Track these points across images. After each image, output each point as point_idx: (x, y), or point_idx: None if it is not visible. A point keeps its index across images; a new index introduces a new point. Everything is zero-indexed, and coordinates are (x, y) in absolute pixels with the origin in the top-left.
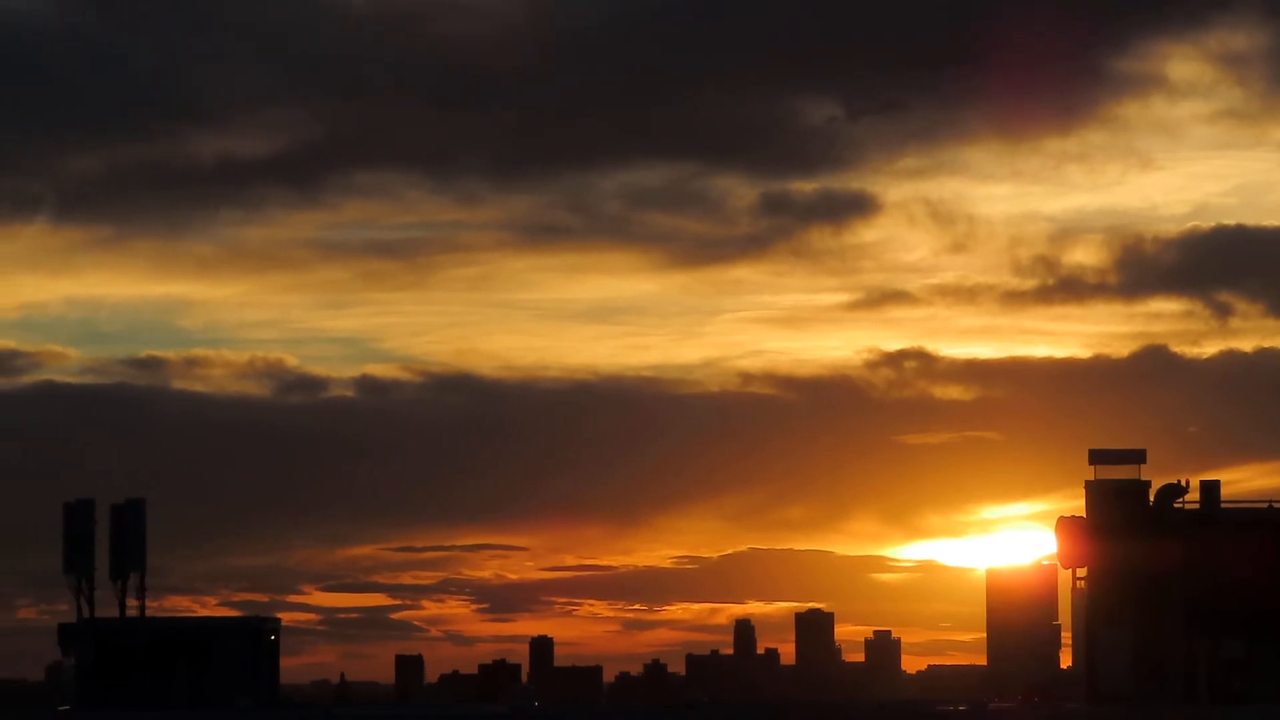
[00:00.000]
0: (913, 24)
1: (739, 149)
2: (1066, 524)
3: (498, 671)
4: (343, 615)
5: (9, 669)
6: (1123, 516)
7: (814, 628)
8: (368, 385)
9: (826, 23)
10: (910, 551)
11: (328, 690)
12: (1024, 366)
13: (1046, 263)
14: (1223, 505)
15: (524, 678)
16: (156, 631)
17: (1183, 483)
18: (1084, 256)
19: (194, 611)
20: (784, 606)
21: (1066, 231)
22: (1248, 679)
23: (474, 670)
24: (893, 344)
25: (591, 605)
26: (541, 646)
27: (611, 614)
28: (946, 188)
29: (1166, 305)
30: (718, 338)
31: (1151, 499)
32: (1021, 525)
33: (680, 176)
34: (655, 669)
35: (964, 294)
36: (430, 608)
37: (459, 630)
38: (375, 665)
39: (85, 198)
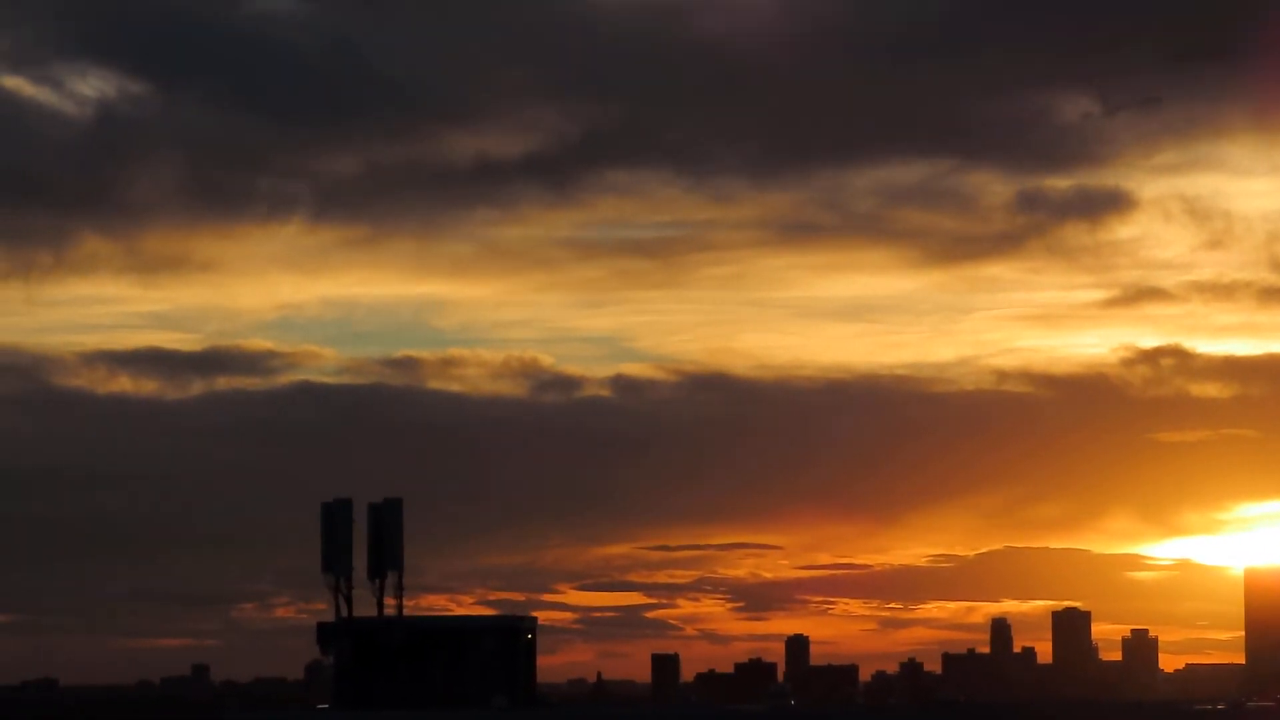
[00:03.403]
0: (1170, 19)
1: (995, 145)
2: None
3: (754, 670)
4: (598, 614)
5: (268, 667)
6: None
7: (1071, 626)
8: (622, 384)
9: (1083, 18)
10: (1167, 550)
11: (584, 689)
12: None
13: None
14: None
15: (780, 676)
16: (414, 630)
17: None
18: None
19: (450, 610)
20: (1040, 605)
21: None
22: None
23: (730, 669)
24: (1149, 341)
25: (847, 604)
26: (797, 645)
27: (867, 612)
28: (1203, 183)
29: None
30: (972, 335)
31: None
32: None
33: (935, 173)
34: (911, 668)
35: (1221, 290)
36: (685, 606)
37: (714, 629)
38: (631, 664)
39: (342, 198)
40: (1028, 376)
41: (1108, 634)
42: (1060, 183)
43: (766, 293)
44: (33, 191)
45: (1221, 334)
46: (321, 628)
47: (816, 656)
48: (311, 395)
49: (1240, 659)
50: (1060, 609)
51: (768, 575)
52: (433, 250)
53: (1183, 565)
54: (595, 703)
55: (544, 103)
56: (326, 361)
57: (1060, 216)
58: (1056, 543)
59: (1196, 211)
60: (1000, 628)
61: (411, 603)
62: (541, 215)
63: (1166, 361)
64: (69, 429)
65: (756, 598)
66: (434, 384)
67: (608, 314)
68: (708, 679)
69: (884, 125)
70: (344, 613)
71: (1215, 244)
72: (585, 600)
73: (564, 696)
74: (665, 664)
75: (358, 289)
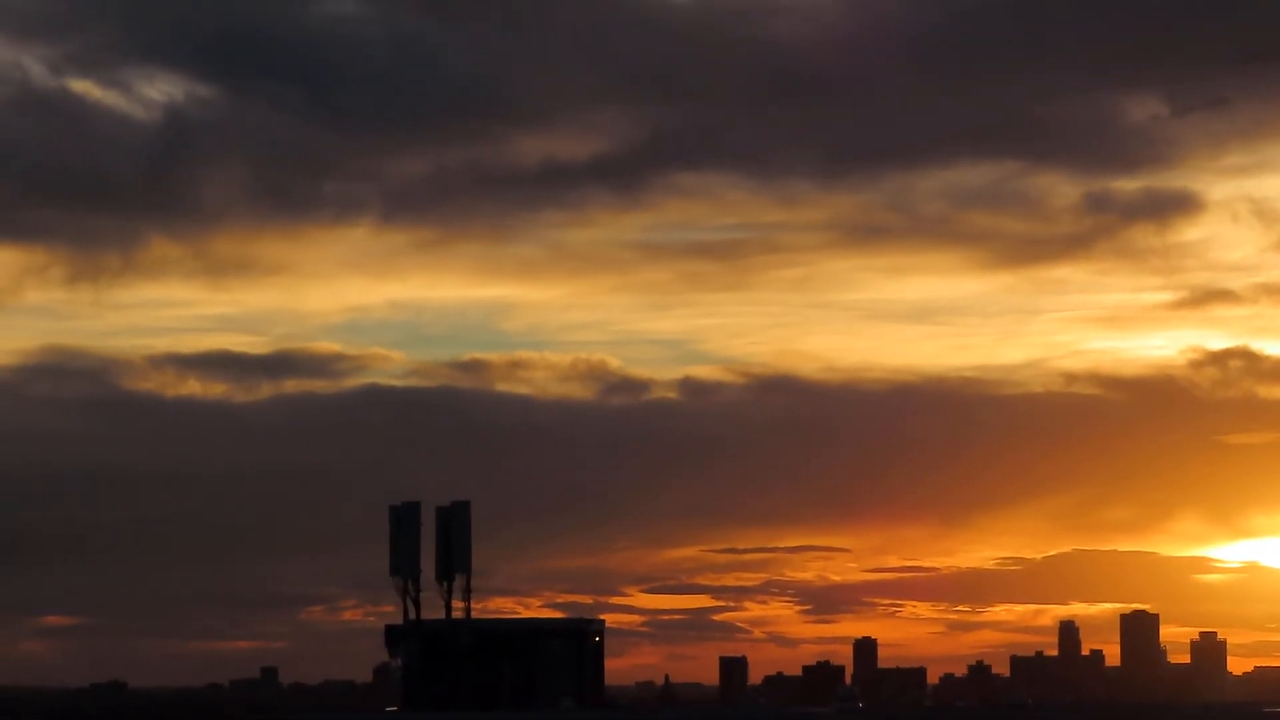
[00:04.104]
0: (1239, 20)
1: (1063, 147)
2: None
3: (821, 673)
4: (666, 617)
5: (337, 670)
6: None
7: (1139, 629)
8: (690, 387)
9: (1151, 19)
10: (1235, 552)
11: (652, 692)
12: None
13: None
14: None
15: (847, 679)
16: (482, 633)
17: None
18: None
19: (518, 613)
20: (1108, 608)
21: None
22: None
23: (797, 672)
24: (1217, 343)
25: (914, 606)
26: (865, 648)
27: (935, 615)
28: (1271, 185)
29: None
30: (1040, 338)
31: None
32: None
33: (1003, 175)
34: (979, 670)
35: None
36: (753, 609)
37: (782, 632)
38: (699, 666)
39: (410, 200)
40: (1096, 379)
41: (1176, 636)
42: (1128, 184)
43: (834, 295)
44: (101, 195)
45: None
46: (390, 630)
47: (884, 659)
48: (379, 398)
49: None
50: (1129, 611)
51: (835, 578)
52: (501, 253)
53: (1251, 568)
54: (663, 705)
55: (612, 105)
56: (394, 364)
57: (1128, 218)
58: (1125, 545)
59: (1264, 213)
60: (1068, 630)
61: (479, 605)
62: (609, 218)
63: (1234, 363)
64: (138, 432)
65: (824, 600)
66: (502, 387)
67: (675, 316)
68: (775, 681)
69: (952, 127)
70: (412, 615)
71: None
72: (653, 603)
73: (632, 699)
74: (733, 667)
75: (426, 292)
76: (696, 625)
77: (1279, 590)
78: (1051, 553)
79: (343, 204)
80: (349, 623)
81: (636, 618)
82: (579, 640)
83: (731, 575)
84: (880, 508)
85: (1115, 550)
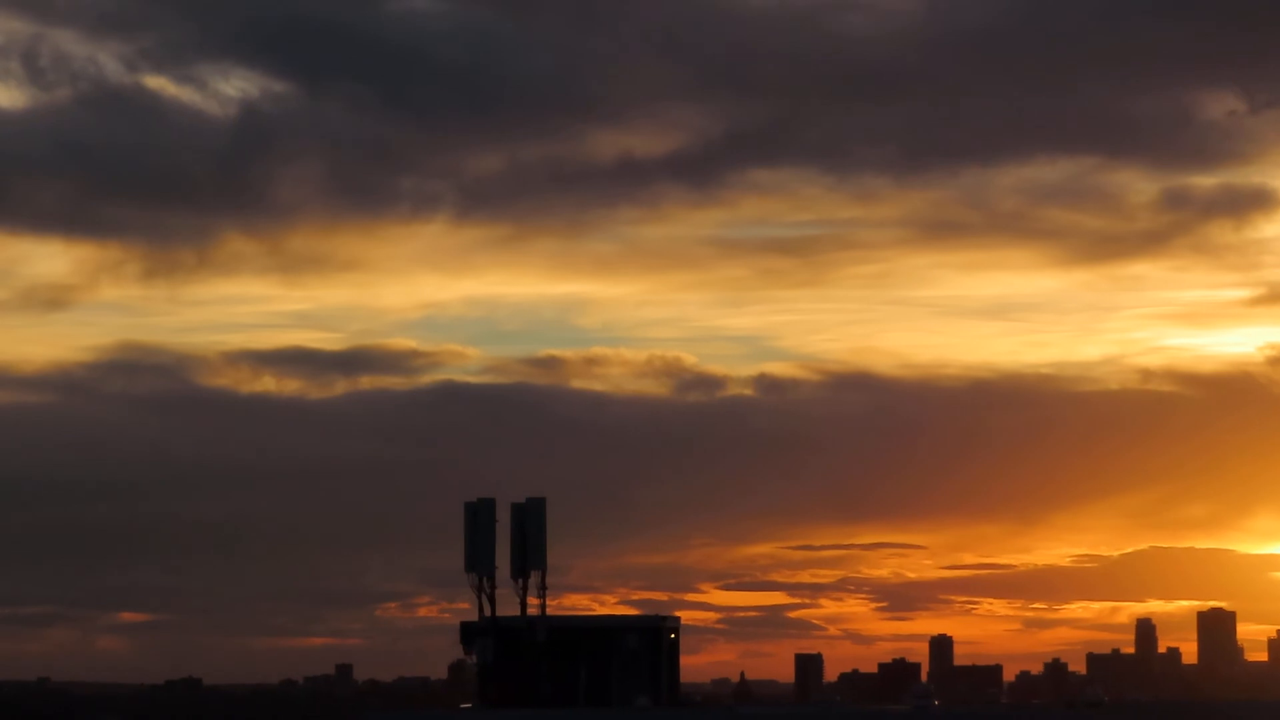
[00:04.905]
0: None
1: (1139, 143)
2: None
3: (897, 670)
4: (741, 614)
5: (412, 667)
6: None
7: (1216, 627)
8: (766, 384)
9: (1228, 16)
10: None
11: (727, 689)
12: None
13: None
14: None
15: (923, 676)
16: (558, 630)
17: None
18: None
19: (592, 610)
20: (1185, 605)
21: None
22: None
23: (873, 669)
24: None
25: (990, 604)
26: (941, 645)
27: (1011, 612)
28: None
29: None
30: (1117, 334)
31: None
32: None
33: (1079, 171)
34: (1055, 668)
35: None
36: (828, 606)
37: (857, 629)
38: (774, 664)
39: (486, 196)
40: (1173, 375)
41: (1253, 634)
42: (1205, 181)
43: (910, 291)
44: (176, 192)
45: None
46: (465, 627)
47: (960, 657)
48: (454, 394)
49: None
50: (1206, 609)
51: (911, 575)
52: (576, 249)
53: None
54: (739, 703)
55: (688, 101)
56: (469, 361)
57: (1205, 214)
58: (1202, 543)
59: None
60: (1145, 628)
61: (554, 602)
62: (685, 214)
63: None
64: (213, 428)
65: (900, 597)
66: (577, 383)
67: (751, 313)
68: (851, 679)
69: (1028, 123)
70: (487, 612)
71: None
72: (728, 600)
73: (707, 696)
74: (808, 664)
75: (501, 288)
76: (772, 622)
77: None
78: (1128, 550)
79: (418, 200)
80: (424, 619)
81: (712, 615)
82: (654, 637)
83: (807, 572)
84: (956, 505)
85: (1192, 548)
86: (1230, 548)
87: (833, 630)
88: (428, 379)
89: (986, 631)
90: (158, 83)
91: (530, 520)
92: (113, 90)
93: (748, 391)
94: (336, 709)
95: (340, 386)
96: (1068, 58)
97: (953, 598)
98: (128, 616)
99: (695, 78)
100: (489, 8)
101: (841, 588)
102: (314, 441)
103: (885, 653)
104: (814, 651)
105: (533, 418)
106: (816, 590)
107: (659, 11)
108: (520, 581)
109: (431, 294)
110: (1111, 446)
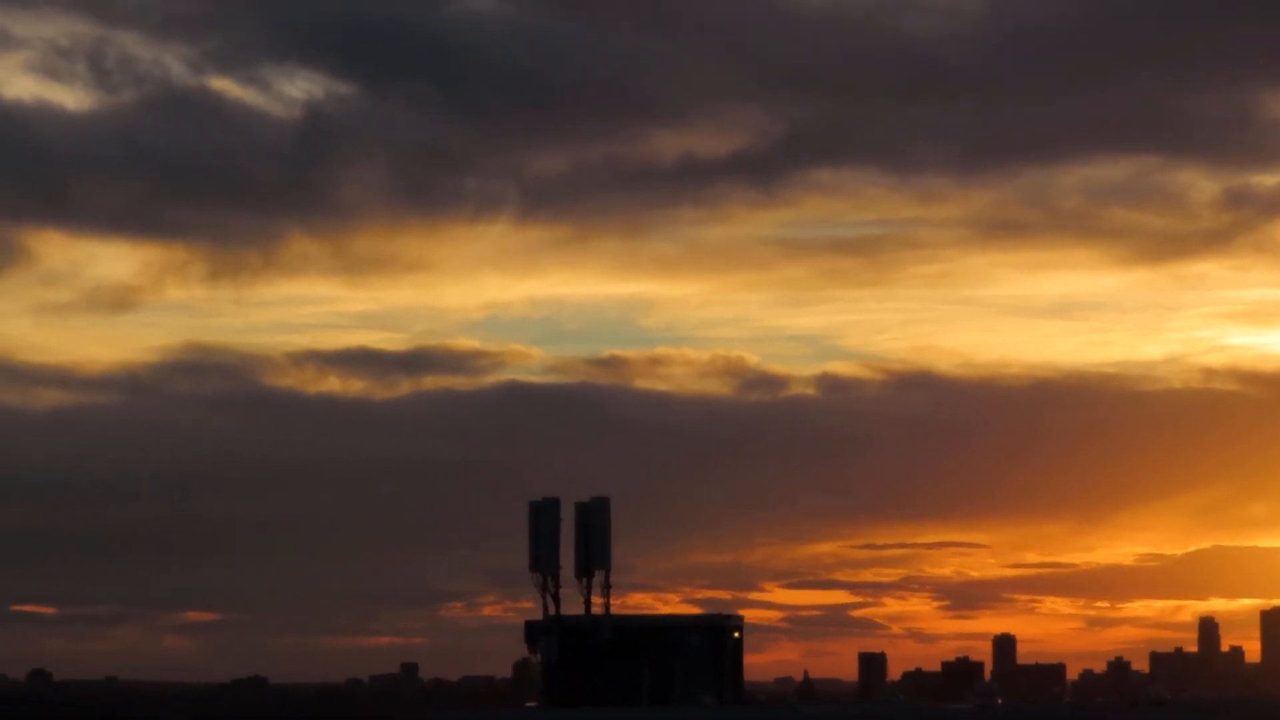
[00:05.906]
0: None
1: (1201, 142)
2: None
3: (960, 669)
4: (805, 613)
5: (477, 666)
6: None
7: None
8: (828, 383)
9: None
10: None
11: (790, 688)
12: None
13: None
14: None
15: (986, 675)
16: (622, 629)
17: None
18: None
19: (656, 609)
20: (1249, 604)
21: None
22: None
23: (936, 668)
24: None
25: (1053, 602)
26: (1004, 644)
27: (1073, 611)
28: None
29: None
30: (1180, 334)
31: None
32: None
33: (1141, 170)
34: (1118, 667)
35: None
36: (891, 605)
37: (920, 628)
38: (838, 662)
39: (548, 197)
40: (1236, 374)
41: None
42: (1268, 179)
43: (972, 291)
44: (240, 192)
45: None
46: (530, 626)
47: (1023, 655)
48: (519, 394)
49: None
50: (1269, 608)
51: (974, 574)
52: (639, 249)
53: None
54: (802, 701)
55: (749, 101)
56: (533, 361)
57: (1268, 213)
58: (1265, 541)
59: None
60: (1208, 627)
61: (618, 601)
62: (747, 214)
63: None
64: (278, 429)
65: (963, 596)
66: (640, 383)
67: (813, 313)
68: (914, 678)
69: (1089, 122)
70: (551, 611)
71: None
72: (791, 599)
73: (771, 695)
74: (872, 662)
75: (564, 288)
76: (835, 621)
77: None
78: (1191, 549)
79: (481, 200)
80: (488, 618)
81: (775, 613)
82: (718, 636)
83: (870, 571)
84: (1019, 504)
85: (1255, 546)
86: None
87: (896, 629)
88: (491, 379)
89: (1049, 630)
90: (222, 84)
91: (594, 520)
92: (177, 92)
93: (810, 391)
94: (402, 708)
95: (404, 387)
96: (1128, 57)
97: (1015, 596)
98: (194, 616)
99: (758, 78)
100: (551, 9)
101: (904, 586)
102: (378, 442)
103: (948, 651)
104: (877, 650)
105: (596, 418)
106: (879, 589)
107: (721, 12)
108: (584, 580)
109: (495, 294)
110: (1174, 445)
